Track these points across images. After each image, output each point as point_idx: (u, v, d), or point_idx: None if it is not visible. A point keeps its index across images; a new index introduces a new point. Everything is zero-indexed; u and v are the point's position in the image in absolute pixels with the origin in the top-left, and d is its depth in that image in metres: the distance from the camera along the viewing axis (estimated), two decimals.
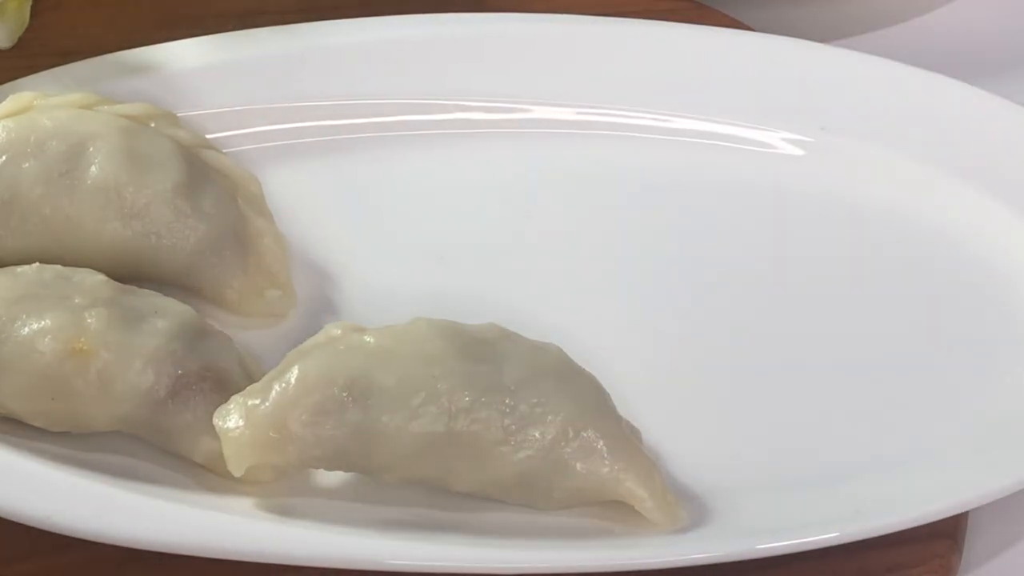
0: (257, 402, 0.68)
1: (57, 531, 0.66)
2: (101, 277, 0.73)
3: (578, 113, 0.86)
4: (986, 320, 0.78)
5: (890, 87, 0.86)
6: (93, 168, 0.76)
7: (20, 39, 0.92)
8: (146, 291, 0.73)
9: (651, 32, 0.88)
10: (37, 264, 0.73)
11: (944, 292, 0.80)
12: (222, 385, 0.70)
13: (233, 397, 0.68)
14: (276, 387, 0.68)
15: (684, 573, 0.68)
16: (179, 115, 0.82)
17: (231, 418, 0.67)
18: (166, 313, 0.71)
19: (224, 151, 0.82)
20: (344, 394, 0.67)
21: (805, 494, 0.70)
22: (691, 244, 0.81)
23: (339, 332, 0.70)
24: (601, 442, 0.68)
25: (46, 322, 0.69)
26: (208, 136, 0.82)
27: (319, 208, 0.82)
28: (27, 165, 0.76)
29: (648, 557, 0.67)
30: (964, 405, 0.74)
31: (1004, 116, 0.84)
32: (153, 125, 0.79)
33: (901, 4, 1.03)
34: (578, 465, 0.68)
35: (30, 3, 0.92)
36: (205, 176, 0.78)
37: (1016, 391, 0.75)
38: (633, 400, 0.73)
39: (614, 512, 0.69)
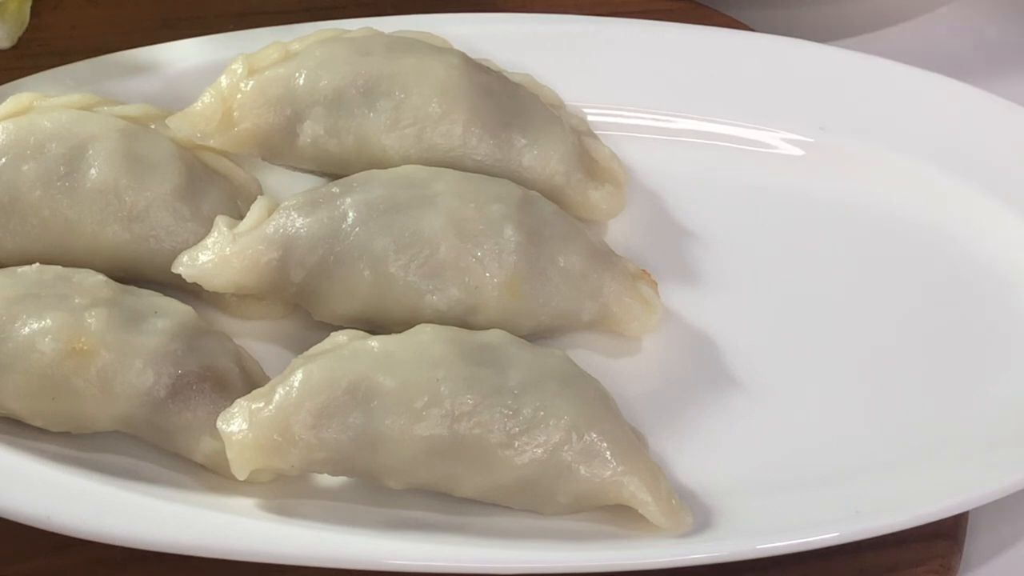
0: (261, 405, 0.68)
1: (57, 531, 0.66)
2: (101, 277, 0.73)
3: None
4: (986, 320, 0.78)
5: (890, 87, 0.86)
6: (93, 171, 0.76)
7: (20, 39, 0.92)
8: (146, 291, 0.73)
9: (651, 32, 0.88)
10: (37, 264, 0.73)
11: (944, 292, 0.80)
12: (222, 385, 0.70)
13: (237, 401, 0.68)
14: (280, 391, 0.68)
15: (683, 573, 0.68)
16: None
17: (235, 421, 0.67)
18: (166, 313, 0.71)
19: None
20: (347, 397, 0.67)
21: (805, 494, 0.70)
22: (691, 244, 0.81)
23: (345, 339, 0.70)
24: (605, 445, 0.68)
25: (46, 322, 0.69)
26: None
27: None
28: (27, 167, 0.75)
29: (648, 557, 0.67)
30: (964, 405, 0.74)
31: (1004, 116, 0.84)
32: (153, 127, 0.79)
33: (901, 4, 1.03)
34: (582, 469, 0.68)
35: (30, 3, 0.92)
36: (205, 178, 0.78)
37: (1016, 391, 0.75)
38: (635, 403, 0.73)
39: (618, 516, 0.69)
